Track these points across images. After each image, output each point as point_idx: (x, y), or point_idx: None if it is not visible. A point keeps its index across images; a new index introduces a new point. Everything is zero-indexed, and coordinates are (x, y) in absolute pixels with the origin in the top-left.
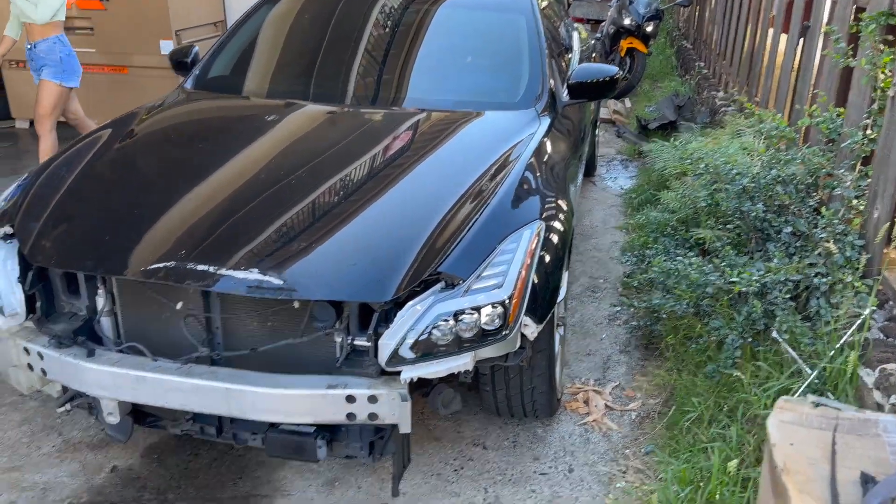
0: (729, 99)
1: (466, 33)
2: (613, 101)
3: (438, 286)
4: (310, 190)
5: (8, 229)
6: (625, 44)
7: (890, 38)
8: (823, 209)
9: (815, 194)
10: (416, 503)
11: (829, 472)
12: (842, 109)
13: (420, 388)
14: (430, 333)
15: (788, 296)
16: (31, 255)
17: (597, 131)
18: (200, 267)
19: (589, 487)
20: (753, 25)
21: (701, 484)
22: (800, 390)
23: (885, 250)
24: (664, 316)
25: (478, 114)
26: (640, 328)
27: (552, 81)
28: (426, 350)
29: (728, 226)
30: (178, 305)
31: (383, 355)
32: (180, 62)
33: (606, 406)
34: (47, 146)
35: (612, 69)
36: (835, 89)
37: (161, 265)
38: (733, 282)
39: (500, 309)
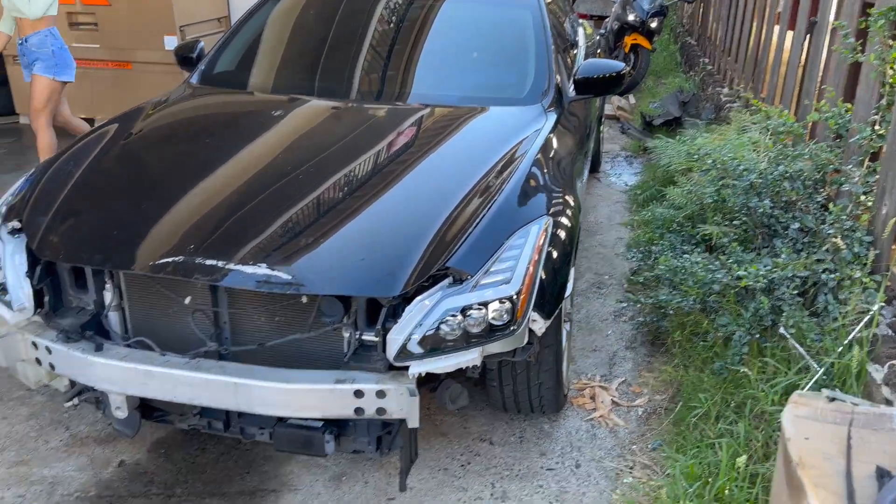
0: (734, 95)
1: (473, 28)
2: (618, 98)
3: (446, 281)
4: (317, 184)
5: (16, 224)
6: (629, 40)
7: None
8: (831, 205)
9: (822, 190)
10: (424, 498)
11: (845, 467)
12: (849, 105)
13: (427, 384)
14: (438, 328)
15: (796, 292)
16: (40, 249)
17: (601, 127)
18: (209, 261)
19: (596, 483)
20: (759, 21)
21: (709, 480)
22: (807, 386)
23: (893, 246)
24: (671, 312)
25: (484, 109)
26: (646, 324)
27: (558, 77)
28: (434, 345)
29: (734, 222)
30: (187, 300)
31: (392, 350)
32: (186, 57)
33: (613, 402)
34: (45, 142)
35: (619, 65)
36: (842, 85)
37: (169, 260)
38: (740, 276)
39: (508, 304)
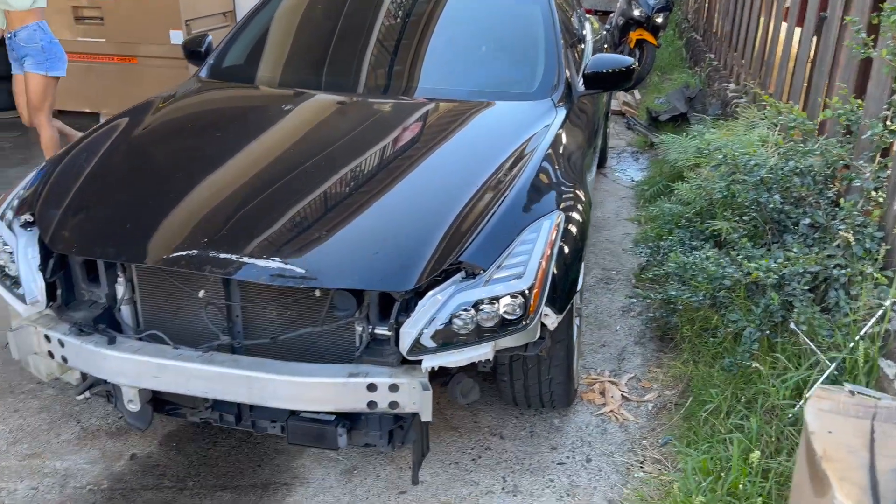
0: (741, 91)
1: (482, 22)
2: (623, 93)
3: (459, 276)
4: (329, 178)
5: (28, 217)
6: (634, 35)
7: None
8: (842, 201)
9: (832, 186)
10: (436, 491)
11: (869, 461)
12: (860, 101)
13: (438, 378)
14: (451, 323)
15: (807, 287)
16: (52, 242)
17: (608, 123)
18: (222, 255)
19: (607, 477)
20: (767, 17)
21: (721, 475)
22: (818, 382)
23: None
24: (680, 308)
25: (494, 104)
26: (655, 320)
27: (567, 72)
28: (447, 339)
29: (744, 217)
30: (201, 293)
31: (405, 344)
32: (194, 51)
33: (623, 397)
34: (48, 138)
35: (628, 60)
36: (853, 81)
37: (183, 253)
38: (750, 272)
39: (520, 299)
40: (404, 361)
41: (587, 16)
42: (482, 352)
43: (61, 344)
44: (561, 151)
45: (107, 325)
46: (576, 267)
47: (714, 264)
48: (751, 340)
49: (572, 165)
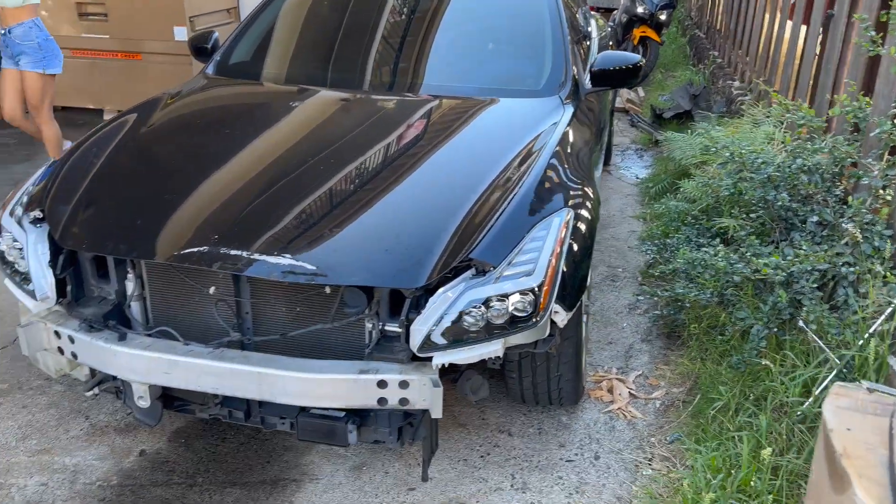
0: (746, 88)
1: (488, 19)
2: (627, 90)
3: (469, 273)
4: (338, 175)
5: (38, 213)
6: (637, 32)
7: None
8: (850, 199)
9: (839, 184)
10: (445, 488)
11: (888, 458)
12: (868, 99)
13: (447, 374)
14: (461, 320)
15: (815, 285)
16: (62, 238)
17: (612, 120)
18: (233, 251)
19: (616, 475)
20: (772, 14)
21: (731, 472)
22: (827, 380)
23: None
24: (687, 305)
25: (502, 101)
26: (662, 317)
27: (575, 68)
28: (457, 336)
29: (751, 215)
30: (211, 290)
31: (415, 341)
32: (200, 48)
33: (630, 394)
34: (51, 134)
35: (636, 57)
36: (860, 78)
37: (194, 249)
38: (757, 269)
39: (530, 296)
40: (414, 358)
41: (591, 13)
42: (493, 349)
43: (71, 340)
44: (569, 149)
45: (116, 321)
46: (585, 264)
47: (723, 260)
48: (759, 338)
49: (580, 163)
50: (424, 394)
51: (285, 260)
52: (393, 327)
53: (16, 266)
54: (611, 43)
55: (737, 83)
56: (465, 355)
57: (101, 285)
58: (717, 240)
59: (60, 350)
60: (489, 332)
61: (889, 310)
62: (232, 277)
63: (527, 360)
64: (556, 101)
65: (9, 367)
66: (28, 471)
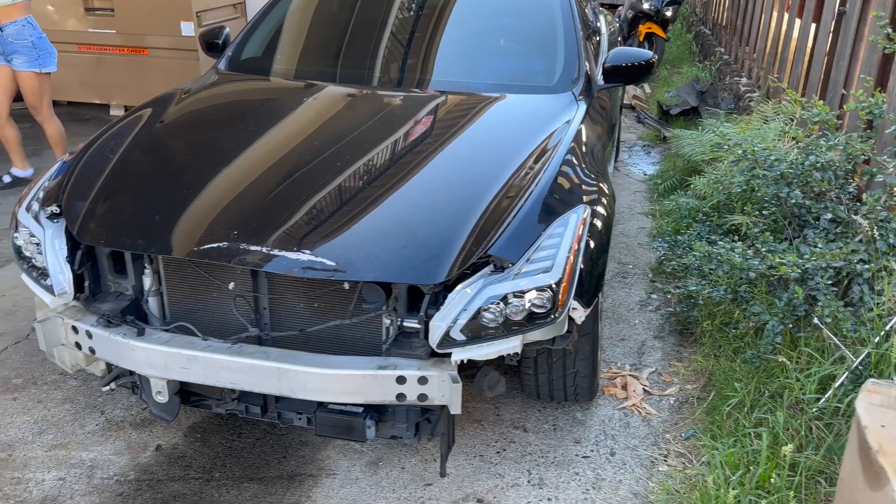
0: (754, 85)
1: (501, 14)
2: (633, 86)
3: (487, 269)
4: (356, 171)
5: (55, 208)
6: (643, 28)
7: None
8: (864, 196)
9: (852, 181)
10: (462, 483)
11: None
12: (882, 96)
13: (462, 371)
14: (480, 316)
15: (830, 282)
16: (80, 234)
17: (620, 116)
18: (253, 247)
19: (632, 471)
20: (780, 11)
21: (750, 468)
22: (843, 376)
23: None
24: (700, 302)
25: (515, 97)
26: (675, 314)
27: (587, 65)
28: (476, 332)
29: (763, 212)
30: (231, 285)
31: (435, 337)
32: (212, 43)
33: (644, 391)
34: (53, 131)
35: (648, 53)
36: (874, 76)
37: (213, 245)
38: (773, 266)
39: (549, 293)
40: (433, 354)
41: (600, 9)
42: (511, 345)
43: (89, 335)
44: (584, 145)
45: (134, 316)
46: (602, 260)
47: (740, 255)
48: (774, 333)
49: (595, 159)
50: (443, 390)
51: (305, 255)
52: (411, 323)
53: (33, 261)
54: (619, 39)
55: (744, 80)
56: (483, 351)
57: (117, 280)
58: (729, 237)
59: (78, 345)
60: (508, 328)
61: None
62: (250, 272)
63: (543, 356)
64: (569, 98)
65: (23, 362)
66: (45, 465)
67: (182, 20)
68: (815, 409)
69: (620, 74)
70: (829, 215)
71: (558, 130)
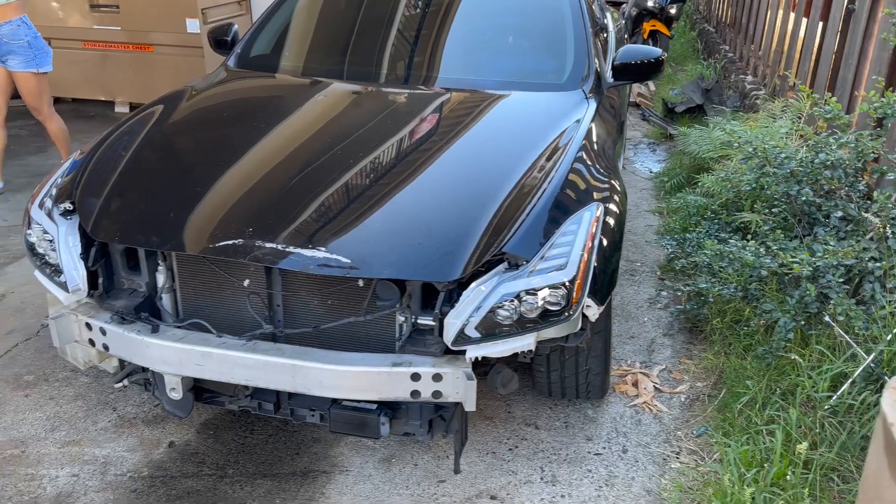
0: (760, 83)
1: (511, 12)
2: (637, 84)
3: (502, 266)
4: (370, 168)
5: (68, 205)
6: (647, 26)
7: None
8: (875, 194)
9: (862, 179)
10: (475, 480)
11: None
12: (893, 95)
13: (476, 368)
14: (495, 313)
15: (841, 280)
16: (94, 230)
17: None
18: (268, 244)
19: (644, 468)
20: (786, 10)
21: (764, 465)
22: (855, 374)
23: None
24: (710, 300)
25: (525, 95)
26: (684, 312)
27: (597, 62)
28: (491, 330)
29: (773, 210)
30: (246, 282)
31: (449, 334)
32: (220, 40)
33: (655, 388)
34: (56, 129)
35: (657, 51)
36: (884, 74)
37: (228, 242)
38: (790, 263)
39: (563, 290)
40: (447, 351)
41: (606, 6)
42: (525, 342)
43: (103, 332)
44: (595, 143)
45: (147, 313)
46: (615, 258)
47: (752, 253)
48: (785, 330)
49: (606, 157)
50: (458, 387)
51: (320, 253)
52: (426, 320)
53: (46, 258)
54: (626, 36)
55: (750, 78)
56: (498, 349)
57: (131, 277)
58: (738, 235)
59: (91, 342)
60: (522, 325)
61: None
62: (264, 269)
63: (556, 353)
64: (579, 95)
65: (34, 359)
66: (59, 462)
67: (187, 17)
68: (827, 407)
69: (630, 72)
70: (840, 213)
71: (570, 128)
